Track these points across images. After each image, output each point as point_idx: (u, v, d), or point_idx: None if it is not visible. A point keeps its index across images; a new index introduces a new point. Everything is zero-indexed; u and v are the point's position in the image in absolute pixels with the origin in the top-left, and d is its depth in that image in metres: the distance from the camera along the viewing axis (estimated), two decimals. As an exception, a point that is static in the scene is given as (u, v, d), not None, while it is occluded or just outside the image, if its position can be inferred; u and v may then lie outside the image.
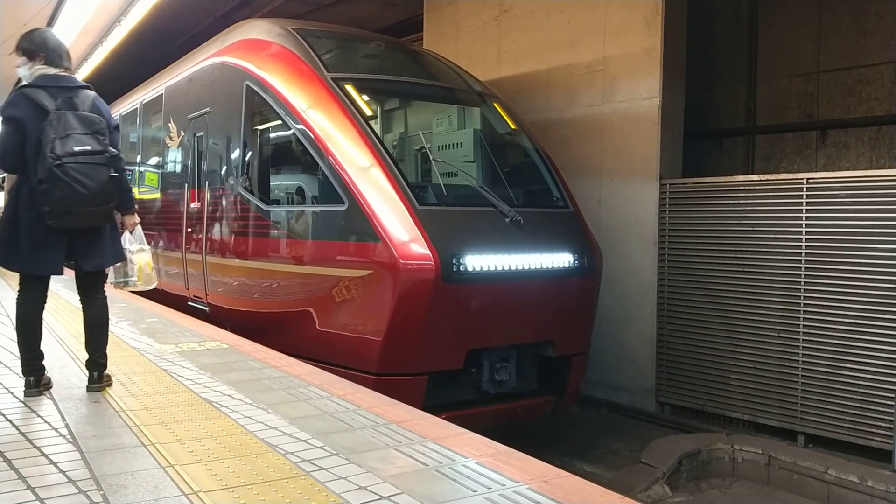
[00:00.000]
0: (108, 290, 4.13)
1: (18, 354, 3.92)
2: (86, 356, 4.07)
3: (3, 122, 3.67)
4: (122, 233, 4.13)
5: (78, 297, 4.01)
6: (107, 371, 4.09)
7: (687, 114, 8.16)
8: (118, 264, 4.12)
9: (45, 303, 3.90)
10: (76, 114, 3.65)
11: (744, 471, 6.20)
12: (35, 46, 3.84)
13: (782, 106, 8.62)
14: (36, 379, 3.91)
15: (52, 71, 3.81)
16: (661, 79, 7.65)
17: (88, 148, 3.57)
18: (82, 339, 4.20)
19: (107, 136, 3.71)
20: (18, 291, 3.87)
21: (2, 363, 4.70)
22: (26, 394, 3.88)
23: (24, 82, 3.82)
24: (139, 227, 4.23)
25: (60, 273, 3.85)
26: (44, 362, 3.98)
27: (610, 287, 7.35)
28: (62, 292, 8.42)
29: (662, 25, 7.62)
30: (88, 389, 4.00)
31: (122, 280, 4.22)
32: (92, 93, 3.86)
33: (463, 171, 6.50)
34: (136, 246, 4.20)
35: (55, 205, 3.52)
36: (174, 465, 2.87)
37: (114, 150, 3.73)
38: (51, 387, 4.02)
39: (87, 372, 4.06)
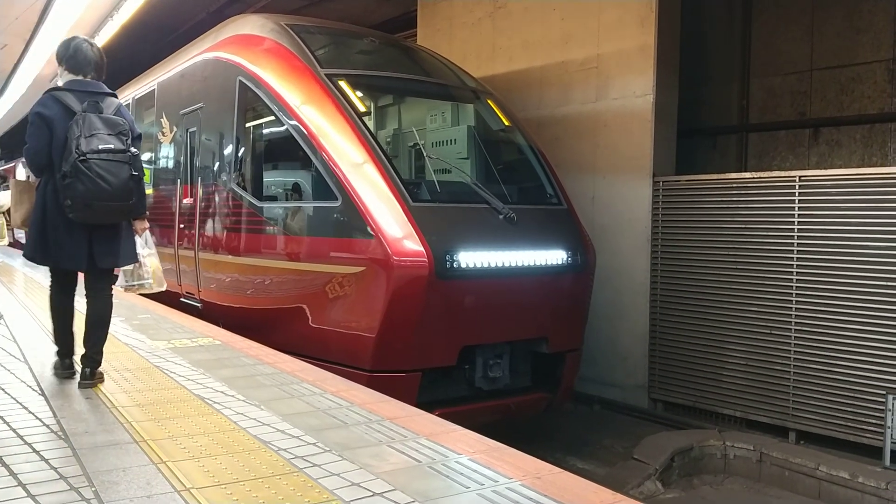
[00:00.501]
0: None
1: (54, 339, 4.17)
2: (81, 351, 4.07)
3: (32, 120, 3.85)
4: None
5: (84, 294, 4.10)
6: (100, 368, 4.10)
7: (680, 111, 8.17)
8: (129, 268, 4.26)
9: (74, 293, 4.12)
10: (101, 116, 3.82)
11: (736, 467, 6.23)
12: (60, 54, 4.07)
13: (775, 104, 8.64)
14: (70, 361, 4.15)
15: (79, 77, 4.02)
16: (655, 76, 7.66)
17: (111, 146, 3.73)
18: (75, 336, 4.21)
19: (129, 136, 3.87)
20: (51, 285, 4.09)
21: (-7, 359, 4.69)
22: (59, 374, 4.15)
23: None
24: (148, 232, 4.36)
25: (83, 268, 3.99)
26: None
27: (603, 284, 7.37)
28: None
29: (656, 23, 7.63)
30: (80, 386, 4.00)
31: (135, 283, 4.34)
32: (117, 100, 4.05)
33: (457, 168, 6.49)
34: (146, 250, 4.32)
35: (77, 198, 3.66)
36: (166, 462, 2.86)
37: (135, 149, 3.89)
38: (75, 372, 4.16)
39: (79, 367, 4.07)
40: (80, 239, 3.85)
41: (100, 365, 4.09)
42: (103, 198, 3.69)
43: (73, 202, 3.67)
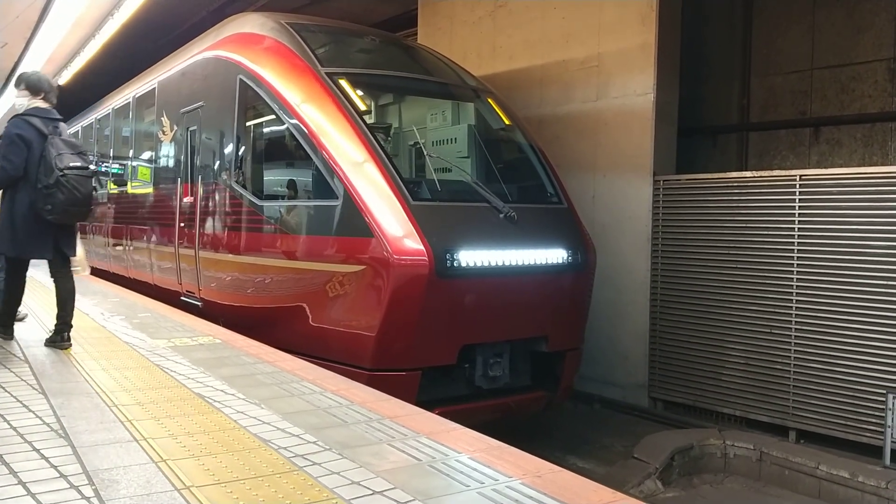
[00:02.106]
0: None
1: (6, 311, 5.17)
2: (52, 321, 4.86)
3: (13, 140, 4.64)
4: None
5: (51, 276, 5.06)
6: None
7: (680, 110, 8.17)
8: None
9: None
10: (61, 138, 4.76)
11: (736, 466, 6.23)
12: (33, 86, 4.93)
13: (776, 103, 8.64)
14: (13, 328, 5.24)
15: (44, 105, 4.90)
16: (656, 75, 7.65)
17: (79, 164, 4.69)
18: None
19: (87, 155, 4.90)
20: (7, 272, 5.04)
21: (-7, 358, 4.70)
22: (4, 333, 5.19)
23: (20, 111, 4.86)
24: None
25: (50, 257, 4.91)
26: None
27: (603, 283, 7.36)
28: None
29: (657, 21, 7.63)
30: (52, 343, 4.94)
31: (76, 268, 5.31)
32: (63, 124, 4.99)
33: (457, 167, 6.49)
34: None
35: (57, 205, 4.59)
36: (166, 460, 2.86)
37: (93, 167, 4.92)
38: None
39: (54, 333, 4.96)
40: (48, 235, 4.79)
41: (71, 329, 5.03)
42: (76, 204, 4.68)
43: (53, 207, 4.59)
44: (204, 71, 7.86)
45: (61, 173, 4.54)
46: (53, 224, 4.74)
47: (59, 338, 4.98)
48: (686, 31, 8.24)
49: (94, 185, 4.84)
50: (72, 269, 5.13)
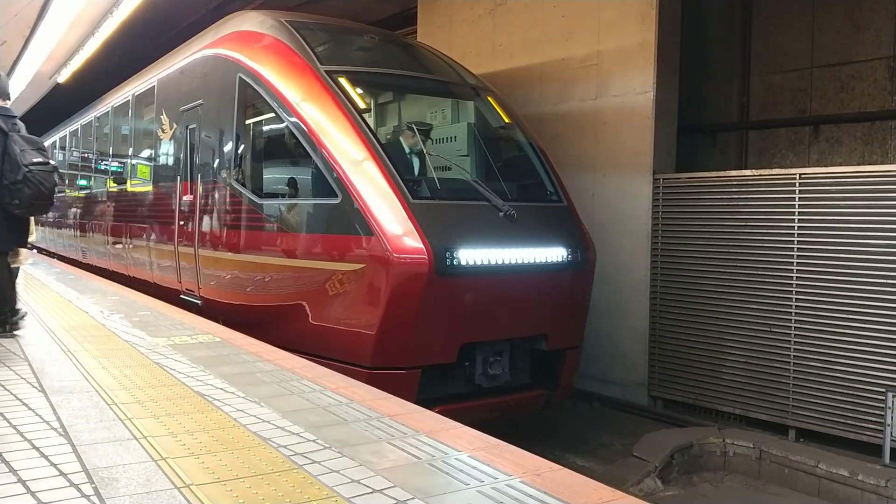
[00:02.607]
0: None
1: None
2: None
3: None
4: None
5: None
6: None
7: (680, 108, 8.17)
8: None
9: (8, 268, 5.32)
10: (20, 135, 4.92)
11: (735, 465, 6.23)
12: None
13: (775, 101, 8.64)
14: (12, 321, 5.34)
15: (1, 103, 5.04)
16: (655, 73, 7.66)
17: (41, 160, 4.86)
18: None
19: (48, 151, 5.02)
20: None
21: (-8, 356, 4.70)
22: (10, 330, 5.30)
23: None
24: None
25: (14, 249, 5.21)
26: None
27: (603, 281, 7.36)
28: (54, 285, 8.38)
29: (656, 20, 7.63)
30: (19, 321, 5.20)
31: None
32: (20, 121, 5.12)
33: (457, 165, 6.48)
34: None
35: (24, 199, 4.79)
36: (166, 459, 2.86)
37: (53, 162, 5.01)
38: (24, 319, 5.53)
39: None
40: (18, 227, 5.05)
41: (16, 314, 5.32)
42: (42, 198, 4.89)
43: (20, 202, 4.78)
44: (203, 69, 7.85)
45: (27, 169, 4.73)
46: (19, 217, 5.01)
47: (19, 314, 5.26)
48: (686, 30, 8.24)
49: (56, 179, 5.03)
50: (19, 258, 5.42)
